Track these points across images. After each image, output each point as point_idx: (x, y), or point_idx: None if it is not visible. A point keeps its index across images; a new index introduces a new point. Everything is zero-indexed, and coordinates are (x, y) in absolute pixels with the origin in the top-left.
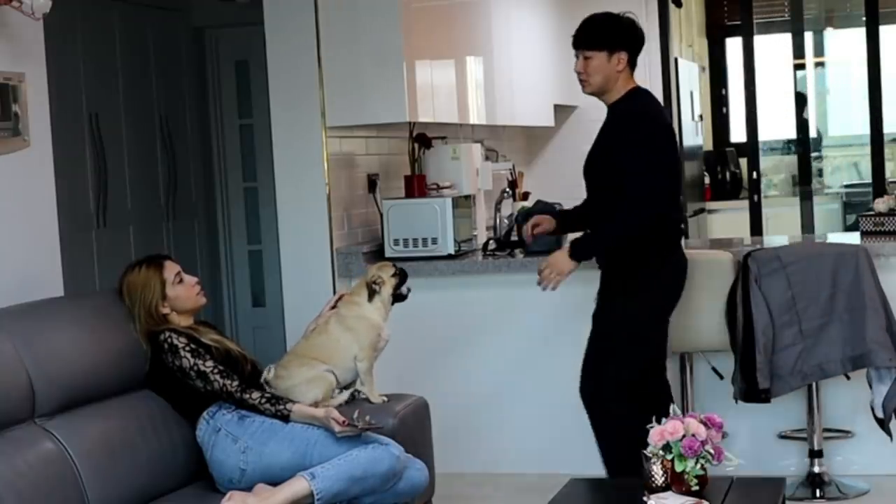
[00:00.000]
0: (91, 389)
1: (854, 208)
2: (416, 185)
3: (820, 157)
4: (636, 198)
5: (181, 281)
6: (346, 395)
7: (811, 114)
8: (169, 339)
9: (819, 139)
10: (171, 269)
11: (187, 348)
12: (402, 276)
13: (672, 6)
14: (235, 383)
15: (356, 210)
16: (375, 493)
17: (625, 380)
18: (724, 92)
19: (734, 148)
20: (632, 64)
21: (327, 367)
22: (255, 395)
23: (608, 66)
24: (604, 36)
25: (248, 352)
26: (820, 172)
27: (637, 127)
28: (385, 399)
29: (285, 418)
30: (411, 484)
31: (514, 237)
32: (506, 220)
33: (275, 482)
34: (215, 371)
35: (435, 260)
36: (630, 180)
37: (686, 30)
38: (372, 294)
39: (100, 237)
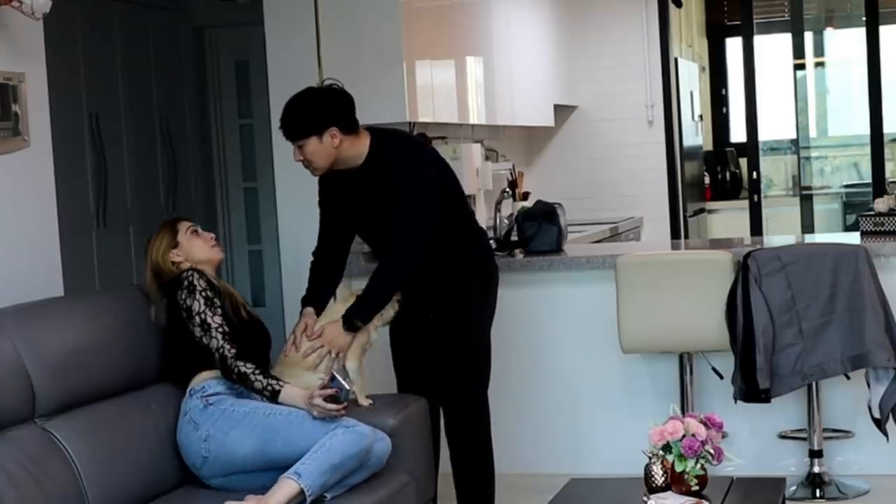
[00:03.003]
0: (91, 389)
1: (854, 208)
2: None
3: (809, 158)
4: (403, 245)
5: (196, 233)
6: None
7: (811, 114)
8: (190, 278)
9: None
10: (184, 224)
11: (204, 293)
12: (403, 303)
13: (672, 6)
14: (234, 350)
15: None
16: (353, 473)
17: (485, 392)
18: (724, 92)
19: (734, 148)
20: (348, 129)
21: (320, 376)
22: (250, 365)
23: (323, 146)
24: (304, 125)
25: (258, 319)
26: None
27: (405, 162)
28: (371, 402)
29: (276, 394)
30: (378, 456)
31: (514, 237)
32: (506, 220)
33: (239, 471)
34: (219, 329)
35: None
36: (400, 223)
37: (686, 30)
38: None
39: (100, 237)
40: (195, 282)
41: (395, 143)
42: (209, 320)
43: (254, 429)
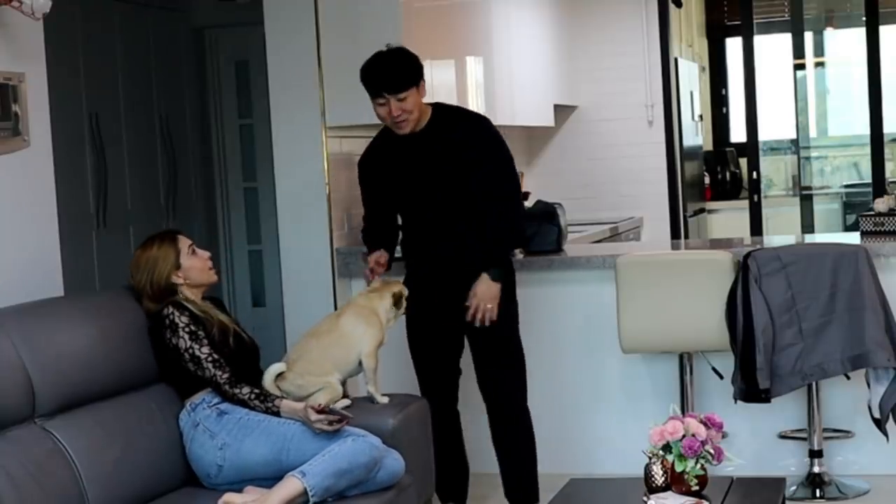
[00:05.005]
0: (91, 389)
1: (854, 208)
2: None
3: (809, 158)
4: (510, 190)
5: (194, 252)
6: (346, 402)
7: (811, 114)
8: (171, 316)
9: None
10: (184, 241)
11: (187, 329)
12: (408, 307)
13: (672, 6)
14: (226, 376)
15: (356, 210)
16: (360, 484)
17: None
18: (724, 92)
19: (734, 148)
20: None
21: (339, 376)
22: (246, 390)
23: (419, 97)
24: (410, 75)
25: (246, 334)
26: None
27: (482, 126)
28: (387, 400)
29: (276, 415)
30: (390, 472)
31: None
32: None
33: (252, 478)
34: (209, 359)
35: None
36: (498, 177)
37: (686, 30)
38: (398, 304)
39: (100, 237)
40: (176, 320)
41: (460, 110)
42: (197, 353)
43: (268, 436)
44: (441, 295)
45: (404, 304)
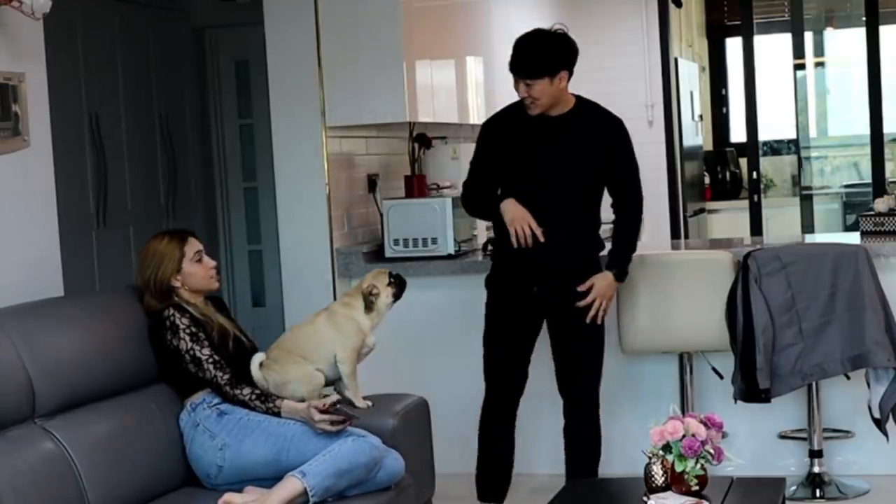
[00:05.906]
0: (91, 389)
1: (854, 208)
2: (416, 185)
3: (809, 158)
4: (639, 199)
5: (200, 260)
6: (334, 397)
7: (811, 114)
8: (172, 318)
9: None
10: (193, 245)
11: (188, 330)
12: (399, 285)
13: (672, 6)
14: (227, 377)
15: (356, 210)
16: (360, 484)
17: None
18: (724, 92)
19: (734, 148)
20: (571, 75)
21: (316, 365)
22: (246, 391)
23: (551, 87)
24: (543, 65)
25: (246, 337)
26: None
27: (622, 130)
28: (369, 404)
29: (277, 415)
30: (389, 472)
31: None
32: None
33: (252, 478)
34: (210, 360)
35: (435, 260)
36: (631, 183)
37: (686, 30)
38: (369, 305)
39: (100, 237)
40: (177, 321)
41: (603, 108)
42: (198, 354)
43: (268, 437)
44: (525, 288)
45: (384, 298)
